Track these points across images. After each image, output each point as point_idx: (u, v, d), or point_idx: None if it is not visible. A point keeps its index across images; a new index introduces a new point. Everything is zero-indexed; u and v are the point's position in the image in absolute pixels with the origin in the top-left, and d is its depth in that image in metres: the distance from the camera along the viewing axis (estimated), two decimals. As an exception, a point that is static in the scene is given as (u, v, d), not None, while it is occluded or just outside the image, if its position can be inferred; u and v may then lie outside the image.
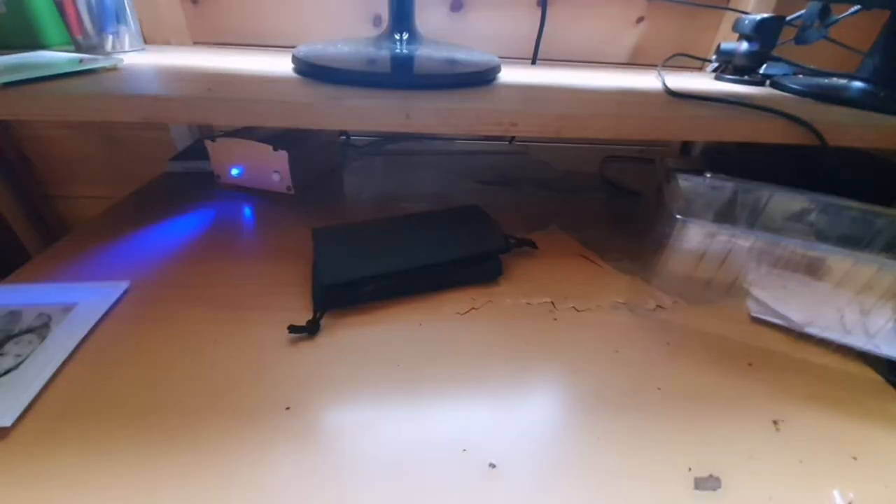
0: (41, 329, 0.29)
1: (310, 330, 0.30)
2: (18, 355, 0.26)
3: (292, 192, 0.48)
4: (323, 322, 0.31)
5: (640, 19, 0.63)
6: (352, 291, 0.32)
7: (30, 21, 0.43)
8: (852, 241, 0.34)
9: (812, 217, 0.35)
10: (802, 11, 0.47)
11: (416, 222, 0.39)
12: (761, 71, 0.51)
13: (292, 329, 0.29)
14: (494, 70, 0.44)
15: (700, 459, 0.23)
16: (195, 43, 0.60)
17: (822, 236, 0.35)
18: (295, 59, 0.42)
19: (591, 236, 0.43)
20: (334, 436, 0.23)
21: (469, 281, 0.35)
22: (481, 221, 0.38)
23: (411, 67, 0.42)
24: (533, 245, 0.39)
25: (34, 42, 0.44)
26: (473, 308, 0.33)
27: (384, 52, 0.43)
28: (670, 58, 0.56)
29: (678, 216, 0.32)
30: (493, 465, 0.22)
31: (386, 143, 0.66)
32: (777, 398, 0.27)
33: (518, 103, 0.37)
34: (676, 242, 0.33)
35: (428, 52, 0.45)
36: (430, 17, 0.60)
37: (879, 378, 0.30)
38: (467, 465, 0.22)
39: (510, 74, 0.47)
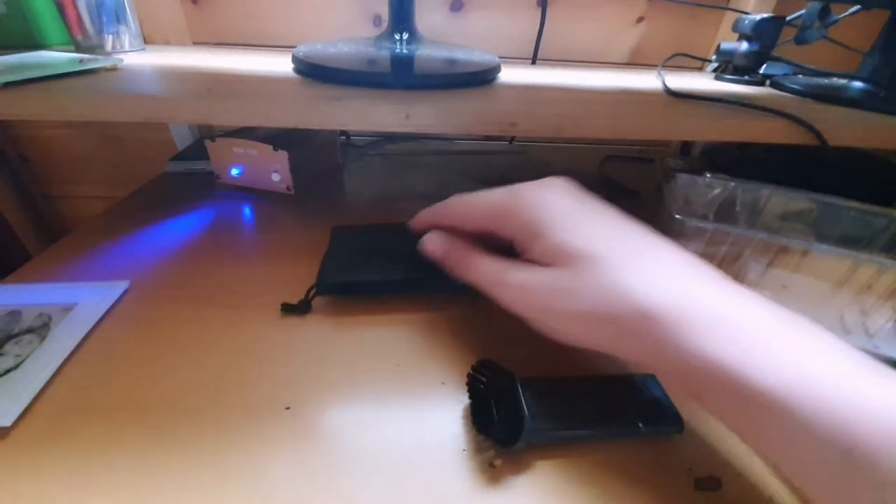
0: (41, 329, 0.29)
1: (301, 309, 0.31)
2: (18, 355, 0.26)
3: (292, 192, 0.48)
4: (322, 322, 0.31)
5: (640, 19, 0.63)
6: (350, 287, 0.33)
7: (30, 21, 0.43)
8: (852, 241, 0.34)
9: (812, 217, 0.35)
10: (802, 11, 0.47)
11: None
12: (761, 71, 0.51)
13: (284, 307, 0.31)
14: (494, 70, 0.44)
15: (700, 459, 0.23)
16: (195, 43, 0.60)
17: (822, 236, 0.35)
18: (295, 59, 0.42)
19: (591, 236, 0.43)
20: (334, 436, 0.23)
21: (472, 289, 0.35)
22: None
23: (411, 67, 0.42)
24: None
25: (34, 42, 0.44)
26: (474, 308, 0.33)
27: (384, 52, 0.43)
28: (670, 58, 0.56)
29: (678, 216, 0.32)
30: (493, 466, 0.22)
31: (386, 143, 0.66)
32: (777, 398, 0.27)
33: (518, 103, 0.37)
34: (676, 242, 0.33)
35: (428, 52, 0.45)
36: (430, 17, 0.60)
37: (879, 378, 0.30)
38: (467, 466, 0.22)
39: (510, 74, 0.47)
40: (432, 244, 0.29)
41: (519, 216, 0.25)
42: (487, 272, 0.26)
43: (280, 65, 0.44)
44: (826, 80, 0.50)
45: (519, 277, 0.24)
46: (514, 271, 0.24)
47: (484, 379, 0.24)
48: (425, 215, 0.31)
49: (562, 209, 0.24)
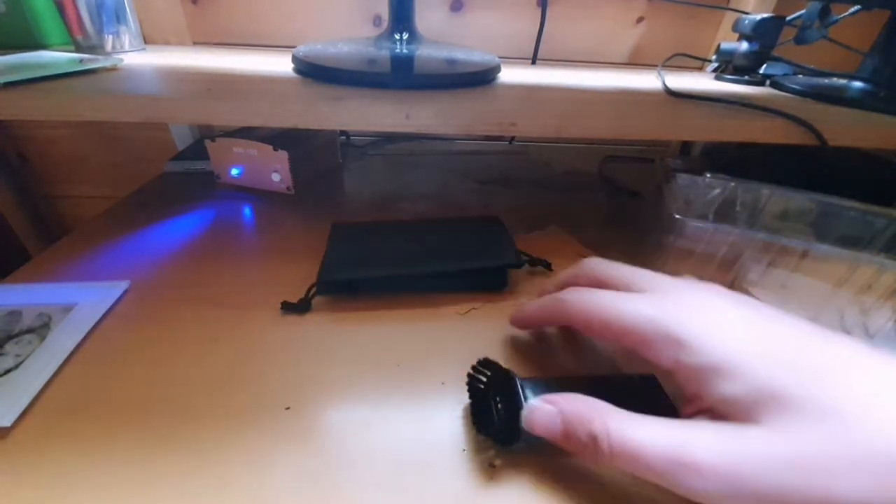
0: (41, 329, 0.29)
1: (301, 308, 0.31)
2: (18, 355, 0.27)
3: (292, 192, 0.48)
4: (322, 321, 0.31)
5: (640, 19, 0.63)
6: (351, 284, 0.33)
7: (30, 21, 0.43)
8: (852, 241, 0.34)
9: (812, 217, 0.35)
10: (802, 11, 0.47)
11: (432, 227, 0.39)
12: (761, 71, 0.51)
13: (284, 306, 0.31)
14: (494, 70, 0.44)
15: (700, 459, 0.23)
16: (195, 43, 0.60)
17: (822, 236, 0.35)
18: (295, 59, 0.42)
19: (591, 236, 0.43)
20: (334, 436, 0.23)
21: (473, 288, 0.35)
22: (498, 234, 0.38)
23: (411, 67, 0.42)
24: (548, 266, 0.37)
25: (34, 42, 0.44)
26: (474, 308, 0.33)
27: (384, 52, 0.43)
28: (670, 58, 0.56)
29: (678, 216, 0.32)
30: (493, 466, 0.22)
31: (386, 143, 0.66)
32: (777, 398, 0.27)
33: (518, 103, 0.37)
34: (676, 242, 0.33)
35: (428, 53, 0.45)
36: (430, 17, 0.60)
37: (879, 378, 0.30)
38: (467, 466, 0.22)
39: (510, 74, 0.47)
40: (546, 419, 0.19)
41: (686, 346, 0.17)
42: (657, 447, 0.16)
43: (280, 65, 0.44)
44: (826, 80, 0.50)
45: (719, 451, 0.15)
46: (704, 438, 0.16)
47: (484, 378, 0.24)
48: (535, 310, 0.23)
49: (745, 333, 0.17)
